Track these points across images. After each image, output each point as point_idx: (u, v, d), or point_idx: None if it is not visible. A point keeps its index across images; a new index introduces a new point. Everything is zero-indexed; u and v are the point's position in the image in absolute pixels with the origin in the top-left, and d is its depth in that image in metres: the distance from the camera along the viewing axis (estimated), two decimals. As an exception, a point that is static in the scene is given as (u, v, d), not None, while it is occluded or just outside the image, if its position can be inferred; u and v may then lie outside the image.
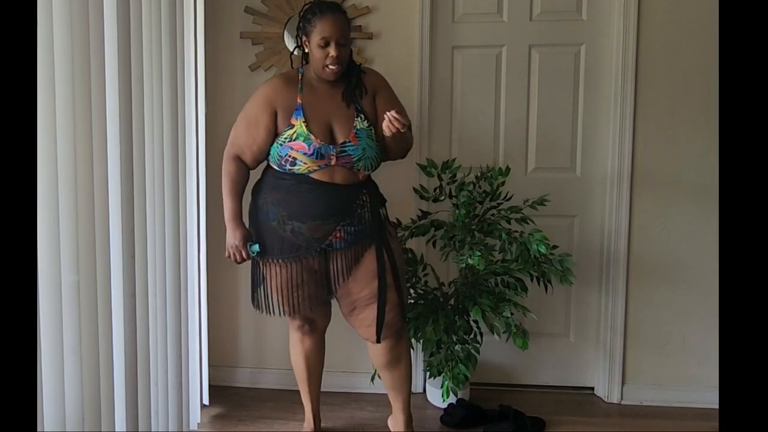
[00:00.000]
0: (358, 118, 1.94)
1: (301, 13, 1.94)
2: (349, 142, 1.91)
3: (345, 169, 1.91)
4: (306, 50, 1.94)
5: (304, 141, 1.87)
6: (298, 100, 1.92)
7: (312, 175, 1.89)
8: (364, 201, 1.96)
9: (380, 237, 1.98)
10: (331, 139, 1.91)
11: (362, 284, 1.98)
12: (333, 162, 1.89)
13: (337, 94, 1.95)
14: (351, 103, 1.95)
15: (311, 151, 1.87)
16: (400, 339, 2.07)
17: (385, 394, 2.20)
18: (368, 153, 1.93)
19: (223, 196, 1.99)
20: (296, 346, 2.21)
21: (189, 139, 2.23)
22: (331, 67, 1.88)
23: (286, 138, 1.89)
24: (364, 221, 1.95)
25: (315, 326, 2.18)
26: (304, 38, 1.92)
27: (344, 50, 1.89)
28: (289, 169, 1.90)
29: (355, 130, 1.92)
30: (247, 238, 1.97)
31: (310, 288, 1.99)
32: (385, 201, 2.06)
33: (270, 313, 2.03)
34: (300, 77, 1.97)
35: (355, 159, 1.91)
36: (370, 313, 1.99)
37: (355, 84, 1.97)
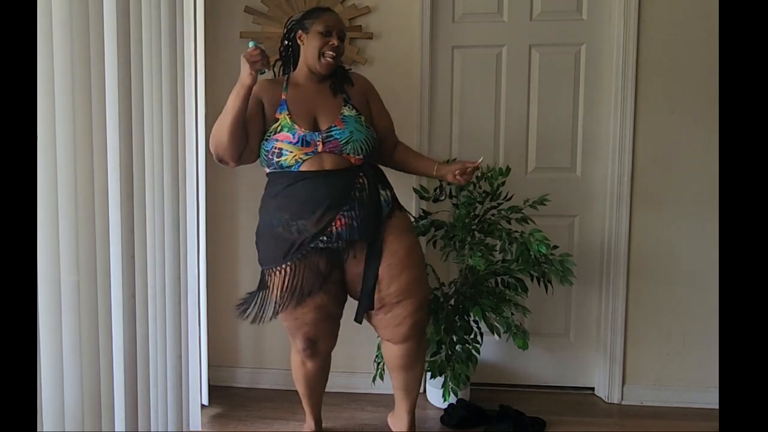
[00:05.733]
0: (346, 107, 1.95)
1: (298, 16, 2.01)
2: (335, 126, 1.90)
3: (333, 155, 1.88)
4: (300, 43, 1.97)
5: (288, 131, 1.87)
6: (282, 96, 1.93)
7: (302, 168, 1.86)
8: (362, 184, 1.90)
9: (378, 222, 1.91)
10: (315, 128, 1.90)
11: (389, 279, 1.90)
12: (320, 148, 1.87)
13: (324, 89, 1.97)
14: (339, 92, 1.97)
15: (296, 139, 1.86)
16: (421, 339, 2.00)
17: (386, 395, 2.19)
18: (356, 136, 1.90)
19: (225, 112, 1.85)
20: (298, 368, 2.14)
21: (189, 140, 2.23)
22: (329, 54, 1.91)
23: (271, 132, 1.90)
24: (365, 206, 1.88)
25: (317, 349, 2.05)
26: (300, 32, 1.96)
27: (342, 46, 1.96)
28: (277, 161, 1.87)
29: (341, 116, 1.92)
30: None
31: (316, 294, 1.92)
32: (389, 184, 2.01)
33: (267, 318, 1.95)
34: (286, 79, 1.99)
35: (342, 142, 1.88)
36: (402, 311, 1.91)
37: (342, 78, 2.01)
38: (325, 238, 1.87)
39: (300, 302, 1.93)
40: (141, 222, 1.75)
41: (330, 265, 1.92)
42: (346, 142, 1.89)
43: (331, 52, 1.92)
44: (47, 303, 1.31)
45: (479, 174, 2.41)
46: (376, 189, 1.93)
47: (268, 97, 1.93)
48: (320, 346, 2.05)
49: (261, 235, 1.97)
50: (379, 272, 1.90)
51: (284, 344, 2.62)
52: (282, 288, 1.91)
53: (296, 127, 1.87)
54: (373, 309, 1.94)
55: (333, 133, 1.89)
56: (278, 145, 1.87)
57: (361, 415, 2.46)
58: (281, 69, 2.08)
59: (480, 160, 1.95)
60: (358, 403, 2.56)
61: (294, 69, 2.03)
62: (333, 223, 1.86)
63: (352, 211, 1.87)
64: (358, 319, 1.96)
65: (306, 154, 1.86)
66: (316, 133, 1.88)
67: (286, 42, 2.04)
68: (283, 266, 1.90)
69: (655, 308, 2.57)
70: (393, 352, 1.99)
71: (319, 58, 1.92)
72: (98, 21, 1.47)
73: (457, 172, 1.95)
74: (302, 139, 1.86)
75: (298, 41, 1.98)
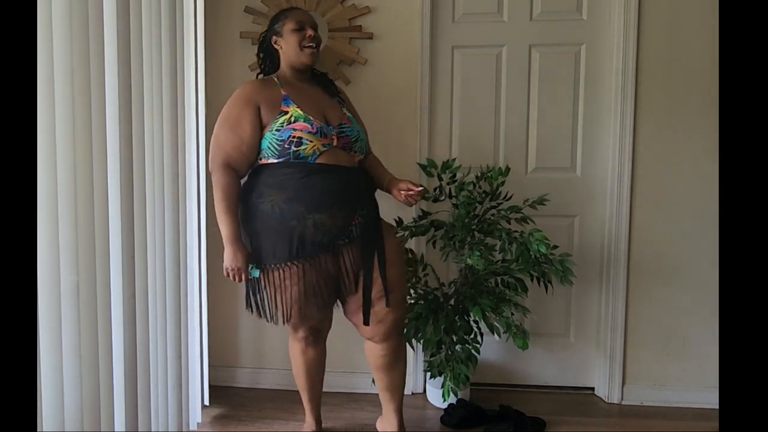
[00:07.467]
0: (344, 109, 2.00)
1: (268, 26, 2.02)
2: (344, 124, 1.93)
3: (345, 151, 1.91)
4: (279, 48, 1.98)
5: (304, 121, 1.84)
6: (282, 92, 1.91)
7: (318, 161, 1.84)
8: (364, 185, 1.96)
9: (377, 225, 1.97)
10: (326, 123, 1.90)
11: (374, 277, 1.93)
12: (335, 142, 1.88)
13: (317, 89, 1.99)
14: (334, 95, 2.02)
15: (315, 130, 1.84)
16: (401, 337, 2.05)
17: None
18: (361, 136, 1.98)
19: (219, 213, 1.86)
20: (298, 357, 2.16)
21: (189, 140, 2.23)
22: (309, 45, 1.93)
23: (283, 123, 1.84)
24: (368, 207, 1.93)
25: (319, 337, 2.13)
26: (274, 38, 1.98)
27: (318, 35, 1.97)
28: (294, 151, 1.82)
29: (346, 116, 1.97)
30: (249, 260, 1.87)
31: (324, 294, 1.91)
32: (376, 188, 2.04)
33: (273, 320, 1.92)
34: (276, 78, 1.97)
35: (353, 139, 1.93)
36: (381, 309, 1.94)
37: (329, 80, 2.06)
38: (345, 237, 1.88)
39: (319, 311, 1.94)
40: (141, 222, 1.75)
41: (332, 263, 1.90)
42: (355, 140, 1.94)
43: (310, 42, 1.93)
44: (47, 303, 1.31)
45: (479, 174, 2.41)
46: (372, 192, 2.00)
47: (264, 99, 1.88)
48: (322, 332, 2.14)
49: (261, 228, 1.86)
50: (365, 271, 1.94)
51: (284, 344, 2.62)
52: (297, 293, 1.86)
53: (311, 118, 1.86)
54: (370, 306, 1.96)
55: (344, 129, 1.92)
56: (296, 134, 1.83)
57: (361, 415, 2.45)
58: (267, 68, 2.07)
59: (420, 188, 1.93)
60: (358, 403, 2.56)
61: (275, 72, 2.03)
62: (353, 221, 1.88)
63: (363, 210, 1.91)
64: (366, 322, 1.96)
65: (324, 145, 1.86)
66: (330, 127, 1.89)
67: (261, 54, 2.04)
68: (295, 263, 1.84)
69: (655, 308, 2.57)
70: (375, 351, 2.02)
71: (301, 51, 1.93)
72: (98, 21, 1.47)
73: (402, 192, 1.96)
74: (320, 130, 1.85)
75: (275, 46, 1.98)
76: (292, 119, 1.85)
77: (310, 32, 1.93)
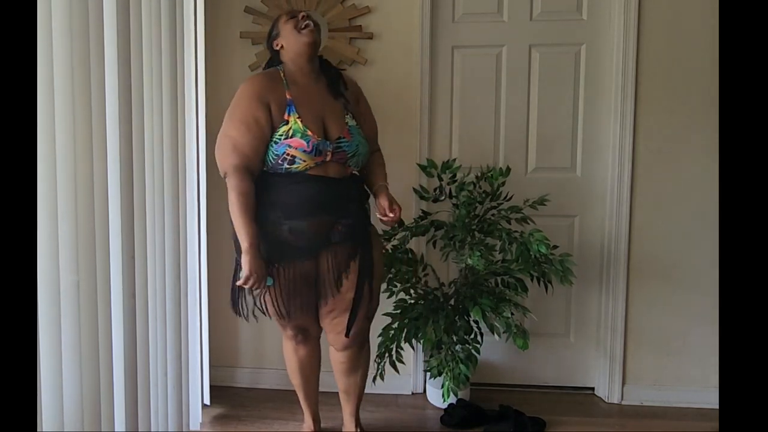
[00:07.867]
0: (348, 115, 1.93)
1: (267, 42, 2.01)
2: (344, 138, 1.87)
3: (338, 164, 1.87)
4: (281, 48, 1.94)
5: (301, 137, 1.80)
6: (287, 96, 1.85)
7: (308, 172, 1.83)
8: (353, 195, 1.93)
9: (365, 235, 1.96)
10: (325, 135, 1.85)
11: (348, 286, 1.94)
12: (329, 158, 1.84)
13: (323, 90, 1.93)
14: (339, 96, 1.94)
15: (310, 148, 1.80)
16: (363, 347, 2.08)
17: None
18: (360, 149, 1.92)
19: (238, 219, 1.78)
20: (291, 356, 2.17)
21: (189, 140, 2.23)
22: (305, 24, 1.88)
23: (281, 135, 1.80)
24: (354, 215, 1.91)
25: (308, 335, 2.13)
26: (275, 42, 1.95)
27: (312, 18, 1.93)
28: (286, 168, 1.81)
29: (348, 127, 1.90)
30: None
31: (303, 296, 1.94)
32: (368, 197, 2.01)
33: (252, 317, 1.95)
34: (282, 74, 1.91)
35: (349, 155, 1.88)
36: (345, 319, 1.96)
37: (336, 75, 1.98)
38: (325, 242, 1.88)
39: (301, 312, 1.96)
40: (141, 222, 1.75)
41: (312, 267, 1.92)
42: (352, 156, 1.90)
43: (306, 22, 1.89)
44: (47, 303, 1.31)
45: (479, 174, 2.41)
46: (363, 202, 1.97)
47: (273, 98, 1.83)
48: (311, 332, 2.12)
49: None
50: (344, 280, 1.93)
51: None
52: (277, 296, 1.90)
53: (309, 133, 1.80)
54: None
55: (342, 144, 1.87)
56: (290, 152, 1.79)
57: (361, 415, 2.44)
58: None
59: (392, 216, 1.92)
60: (358, 403, 2.56)
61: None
62: (334, 228, 1.88)
63: (346, 219, 1.89)
64: (347, 334, 1.97)
65: (316, 163, 1.83)
66: (327, 142, 1.83)
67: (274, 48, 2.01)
68: (275, 266, 1.87)
69: (655, 308, 2.57)
70: (335, 357, 2.08)
71: (299, 32, 1.88)
72: (98, 21, 1.47)
73: (379, 211, 1.94)
74: (315, 148, 1.80)
75: (277, 49, 1.95)
76: (291, 132, 1.80)
77: (302, 14, 1.90)
